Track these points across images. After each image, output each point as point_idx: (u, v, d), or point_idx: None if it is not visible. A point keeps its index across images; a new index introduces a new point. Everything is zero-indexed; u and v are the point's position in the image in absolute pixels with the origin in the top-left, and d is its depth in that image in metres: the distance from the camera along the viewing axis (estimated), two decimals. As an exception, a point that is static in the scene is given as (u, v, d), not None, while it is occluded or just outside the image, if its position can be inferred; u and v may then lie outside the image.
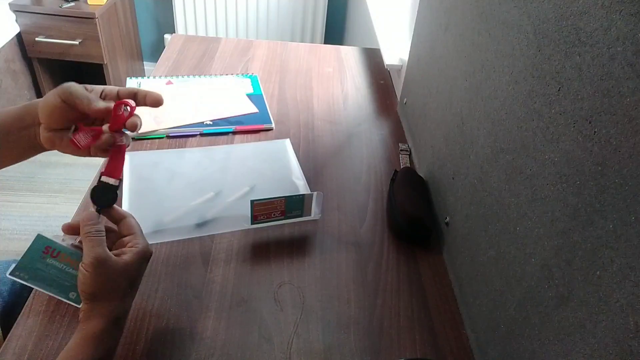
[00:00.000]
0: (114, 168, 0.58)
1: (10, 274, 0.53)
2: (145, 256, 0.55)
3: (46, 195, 1.96)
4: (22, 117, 0.58)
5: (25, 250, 0.54)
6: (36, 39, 2.12)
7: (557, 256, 0.45)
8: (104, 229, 0.53)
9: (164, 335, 0.59)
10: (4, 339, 0.58)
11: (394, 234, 0.78)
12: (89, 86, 0.59)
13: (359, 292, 0.68)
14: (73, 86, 0.56)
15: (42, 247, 0.55)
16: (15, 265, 0.54)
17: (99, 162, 0.86)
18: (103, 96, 0.59)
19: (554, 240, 0.45)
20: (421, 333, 0.64)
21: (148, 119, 0.95)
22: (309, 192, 0.82)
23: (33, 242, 0.55)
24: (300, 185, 0.85)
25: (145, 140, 0.92)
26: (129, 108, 0.58)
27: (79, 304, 0.51)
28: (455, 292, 0.70)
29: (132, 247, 0.55)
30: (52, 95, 0.56)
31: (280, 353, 0.59)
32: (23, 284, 0.76)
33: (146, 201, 0.78)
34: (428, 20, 0.91)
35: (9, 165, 0.61)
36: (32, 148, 0.60)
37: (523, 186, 0.51)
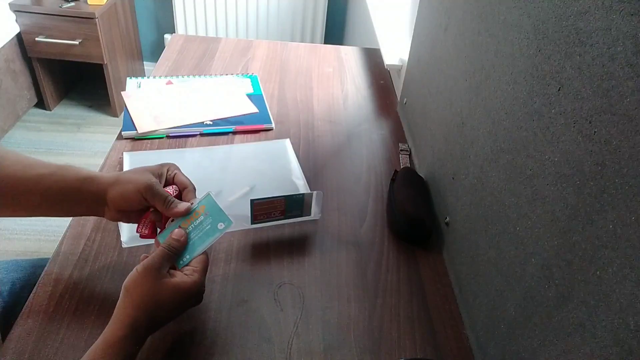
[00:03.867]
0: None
1: (179, 267, 0.57)
2: (190, 293, 0.54)
3: (46, 195, 1.96)
4: (83, 191, 0.60)
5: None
6: (36, 39, 2.12)
7: (557, 256, 0.45)
8: (179, 249, 0.57)
9: (163, 335, 0.59)
10: (4, 339, 0.58)
11: (394, 234, 0.78)
12: (156, 171, 0.62)
13: (359, 292, 0.68)
14: (155, 187, 0.59)
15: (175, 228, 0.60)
16: (176, 263, 0.58)
17: (98, 162, 0.86)
18: (167, 173, 0.64)
19: (554, 240, 0.45)
20: (421, 333, 0.64)
21: (148, 119, 0.95)
22: (309, 191, 0.82)
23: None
24: (300, 185, 0.85)
25: (145, 140, 0.92)
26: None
27: (231, 225, 0.59)
28: (455, 292, 0.70)
29: (185, 276, 0.55)
30: (131, 191, 0.59)
31: (280, 353, 0.59)
32: (23, 285, 0.76)
33: (146, 201, 0.77)
34: (428, 20, 0.91)
35: (55, 217, 0.64)
36: (88, 215, 0.64)
37: (523, 186, 0.51)
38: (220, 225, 0.60)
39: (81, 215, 0.65)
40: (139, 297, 0.51)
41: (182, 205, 0.60)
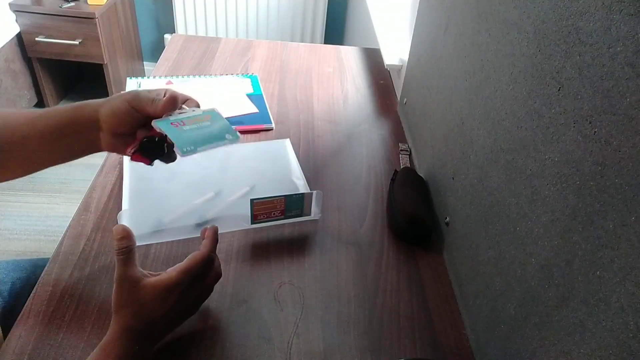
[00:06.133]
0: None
1: (183, 154, 0.56)
2: (168, 288, 0.52)
3: (46, 195, 1.96)
4: (76, 119, 0.60)
5: (170, 136, 0.56)
6: (36, 39, 2.12)
7: (557, 256, 0.45)
8: (130, 248, 0.52)
9: (164, 335, 0.59)
10: (4, 339, 0.58)
11: (394, 234, 0.78)
12: (153, 90, 0.62)
13: (359, 292, 0.68)
14: (139, 92, 0.59)
15: (168, 125, 0.57)
16: (179, 147, 0.56)
17: (98, 162, 0.86)
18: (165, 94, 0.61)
19: (554, 240, 0.45)
20: (421, 333, 0.64)
21: (148, 119, 0.95)
22: (309, 191, 0.82)
23: (164, 128, 0.57)
24: (300, 185, 0.85)
25: (145, 140, 0.92)
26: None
27: (237, 140, 0.59)
28: (455, 292, 0.70)
29: (164, 273, 0.54)
30: (119, 102, 0.58)
31: (280, 353, 0.59)
32: (23, 285, 0.76)
33: (146, 201, 0.78)
34: (428, 20, 0.91)
35: (60, 163, 0.63)
36: (87, 150, 0.62)
37: (523, 186, 0.51)
38: (228, 136, 0.58)
39: (81, 153, 0.63)
40: (120, 307, 0.51)
41: (168, 97, 0.58)
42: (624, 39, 0.36)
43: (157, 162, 0.64)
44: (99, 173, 0.83)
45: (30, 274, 0.81)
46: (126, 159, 0.85)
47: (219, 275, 0.60)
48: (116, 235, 0.52)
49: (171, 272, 0.54)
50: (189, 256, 0.56)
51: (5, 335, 0.58)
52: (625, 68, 0.36)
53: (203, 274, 0.57)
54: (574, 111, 0.43)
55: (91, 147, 0.62)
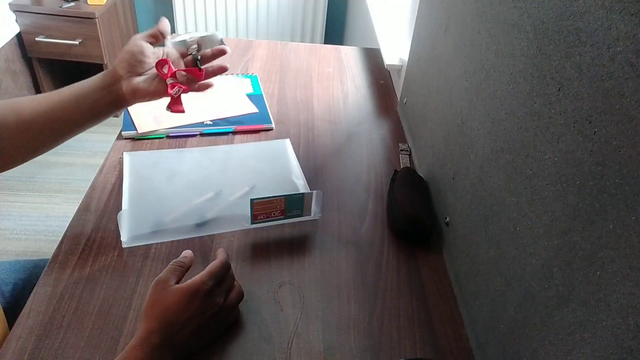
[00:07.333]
0: None
1: None
2: (190, 291, 0.55)
3: (46, 195, 1.96)
4: (103, 79, 0.71)
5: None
6: (36, 39, 2.12)
7: (557, 256, 0.45)
8: (185, 265, 0.59)
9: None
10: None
11: (394, 234, 0.78)
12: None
13: (359, 292, 0.68)
14: (141, 44, 0.71)
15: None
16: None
17: (98, 162, 0.86)
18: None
19: (554, 240, 0.45)
20: (421, 333, 0.64)
21: (148, 119, 0.95)
22: (309, 191, 0.82)
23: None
24: (300, 185, 0.85)
25: (145, 140, 0.92)
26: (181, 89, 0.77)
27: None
28: (455, 292, 0.70)
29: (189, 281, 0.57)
30: (127, 51, 0.71)
31: (280, 353, 0.59)
32: (25, 285, 0.76)
33: (146, 201, 0.78)
34: (428, 20, 0.91)
35: (90, 127, 0.72)
36: (114, 104, 0.72)
37: (523, 186, 0.51)
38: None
39: (107, 110, 0.72)
40: (148, 309, 0.54)
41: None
42: (624, 39, 0.36)
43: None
44: (99, 173, 0.83)
45: (32, 274, 0.81)
46: (125, 159, 0.85)
47: (241, 295, 0.62)
48: (184, 253, 0.61)
49: (194, 277, 0.56)
50: (210, 264, 0.59)
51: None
52: (625, 68, 0.36)
53: (224, 278, 0.59)
54: (574, 111, 0.43)
55: (117, 101, 0.71)
